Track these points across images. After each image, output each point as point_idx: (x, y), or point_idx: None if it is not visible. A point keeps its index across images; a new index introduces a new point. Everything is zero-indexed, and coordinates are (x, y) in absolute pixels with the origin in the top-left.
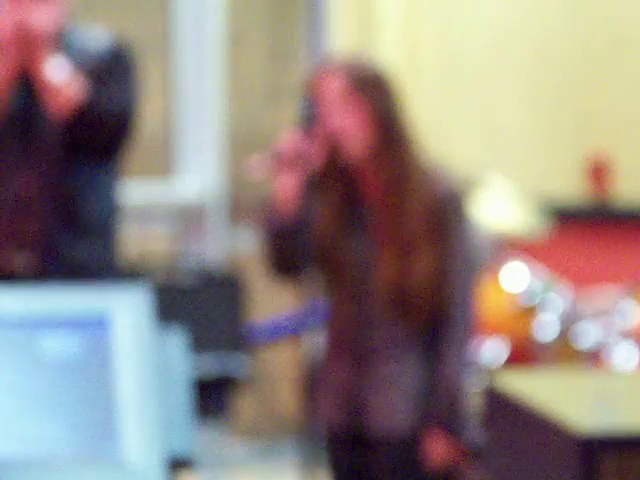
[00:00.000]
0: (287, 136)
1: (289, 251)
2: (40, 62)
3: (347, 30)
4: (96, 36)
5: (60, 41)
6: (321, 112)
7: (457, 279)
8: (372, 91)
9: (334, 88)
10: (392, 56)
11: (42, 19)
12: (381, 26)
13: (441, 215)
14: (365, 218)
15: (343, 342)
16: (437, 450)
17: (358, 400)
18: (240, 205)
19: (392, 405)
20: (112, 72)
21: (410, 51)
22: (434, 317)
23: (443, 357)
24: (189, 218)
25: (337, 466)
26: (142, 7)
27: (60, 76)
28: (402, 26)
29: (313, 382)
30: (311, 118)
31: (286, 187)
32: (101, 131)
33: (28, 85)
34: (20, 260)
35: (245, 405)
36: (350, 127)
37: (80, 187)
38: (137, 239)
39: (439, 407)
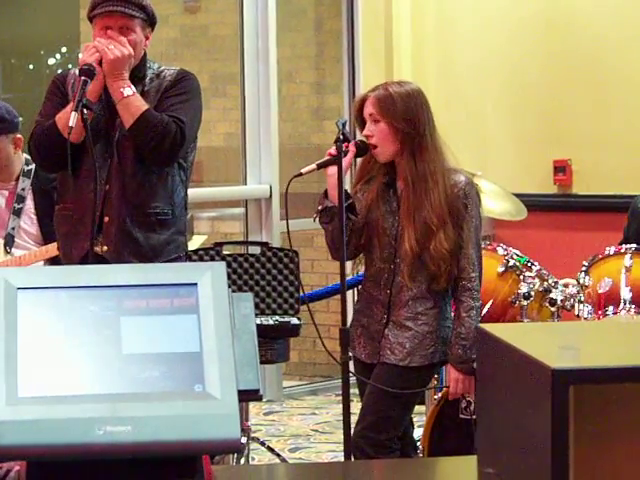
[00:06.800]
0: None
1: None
2: (115, 81)
3: (375, 69)
4: (168, 67)
5: (142, 68)
6: (359, 125)
7: (472, 246)
8: (395, 110)
9: (369, 109)
10: None
11: (122, 50)
12: (399, 64)
13: (461, 200)
14: (398, 202)
15: (376, 295)
16: (455, 378)
17: (380, 338)
18: (292, 199)
19: (401, 343)
20: (175, 87)
21: (419, 81)
22: (448, 279)
23: (460, 304)
24: (258, 208)
25: (361, 386)
26: (224, 54)
27: (128, 92)
28: (414, 63)
29: (351, 327)
30: (358, 125)
31: (331, 178)
32: (162, 134)
33: (108, 99)
34: (101, 244)
35: (299, 352)
36: (377, 136)
37: (150, 184)
38: (223, 224)
39: (458, 344)
